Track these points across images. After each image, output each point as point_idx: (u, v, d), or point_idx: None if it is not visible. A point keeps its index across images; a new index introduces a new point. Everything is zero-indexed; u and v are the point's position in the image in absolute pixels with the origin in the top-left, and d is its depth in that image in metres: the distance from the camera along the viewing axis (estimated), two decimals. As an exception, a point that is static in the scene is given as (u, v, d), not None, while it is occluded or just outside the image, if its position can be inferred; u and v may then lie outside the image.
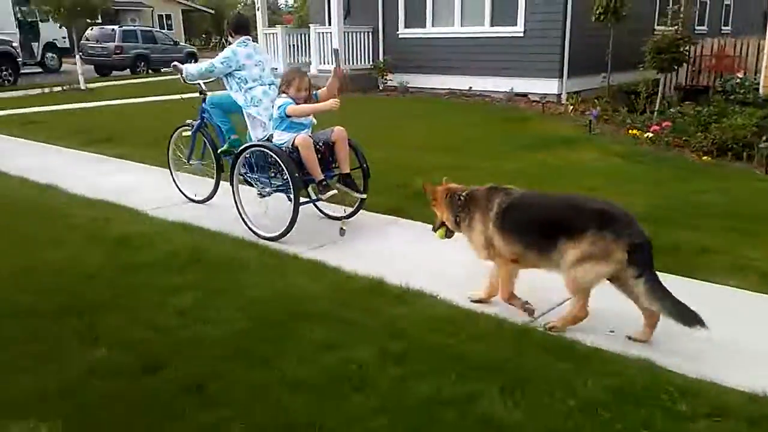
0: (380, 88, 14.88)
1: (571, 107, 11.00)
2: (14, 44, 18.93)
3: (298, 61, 16.62)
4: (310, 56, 15.91)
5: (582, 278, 2.99)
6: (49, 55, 23.71)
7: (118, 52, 22.76)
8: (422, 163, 6.94)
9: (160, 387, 2.65)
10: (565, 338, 3.05)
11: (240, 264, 4.03)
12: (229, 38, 5.16)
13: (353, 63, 15.14)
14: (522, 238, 3.19)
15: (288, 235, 4.48)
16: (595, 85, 11.95)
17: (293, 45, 16.52)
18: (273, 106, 4.64)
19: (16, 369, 2.80)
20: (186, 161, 5.59)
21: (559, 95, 12.07)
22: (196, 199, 5.55)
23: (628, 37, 11.04)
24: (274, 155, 4.47)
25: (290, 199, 4.48)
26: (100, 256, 4.21)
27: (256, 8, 16.65)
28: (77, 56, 17.44)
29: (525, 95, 12.44)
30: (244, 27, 5.15)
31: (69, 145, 8.38)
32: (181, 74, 5.12)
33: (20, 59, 19.06)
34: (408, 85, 14.23)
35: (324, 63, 15.22)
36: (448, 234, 3.63)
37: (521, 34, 12.48)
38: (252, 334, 3.12)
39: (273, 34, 16.35)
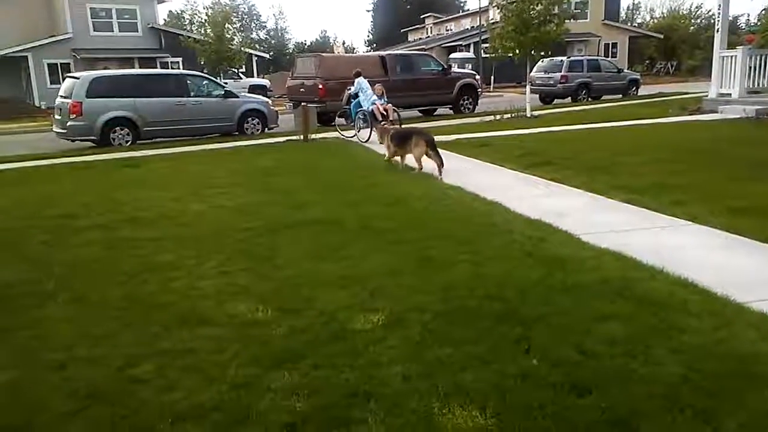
0: None
1: None
2: (477, 77, 22.12)
3: (756, 84, 14.73)
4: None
5: (416, 153, 8.86)
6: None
7: (563, 81, 23.92)
8: None
9: (587, 412, 2.68)
10: None
11: (677, 304, 3.76)
12: (357, 77, 14.06)
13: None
14: (398, 143, 9.24)
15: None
16: None
17: (754, 66, 14.75)
18: (369, 98, 13.60)
19: (463, 364, 3.18)
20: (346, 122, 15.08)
21: None
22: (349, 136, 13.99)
23: None
24: (366, 113, 13.56)
25: (369, 127, 13.21)
26: (534, 273, 4.47)
27: (715, 29, 15.39)
28: (527, 86, 19.08)
29: None
30: (359, 74, 14.06)
31: (513, 167, 9.20)
32: (349, 89, 14.43)
33: (480, 89, 22.01)
34: None
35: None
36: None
37: None
38: (685, 381, 2.88)
39: (732, 56, 14.86)
